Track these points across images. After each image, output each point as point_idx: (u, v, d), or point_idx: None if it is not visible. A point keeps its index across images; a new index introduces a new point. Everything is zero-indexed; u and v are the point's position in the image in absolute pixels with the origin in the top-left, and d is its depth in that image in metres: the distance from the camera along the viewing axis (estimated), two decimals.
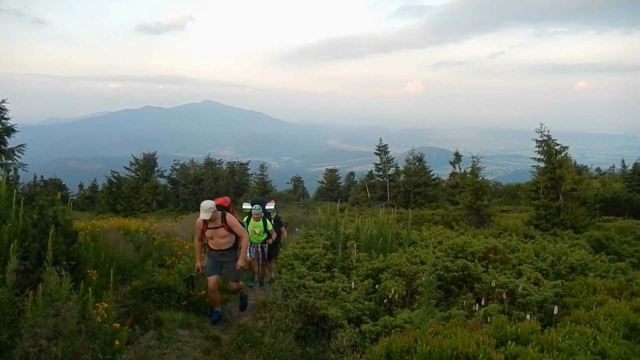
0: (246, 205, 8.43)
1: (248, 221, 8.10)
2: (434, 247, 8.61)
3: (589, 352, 3.57)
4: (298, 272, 7.02)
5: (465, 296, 6.17)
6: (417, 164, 36.82)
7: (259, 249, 8.36)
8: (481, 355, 3.48)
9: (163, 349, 4.94)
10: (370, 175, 41.46)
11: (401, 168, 37.67)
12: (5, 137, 15.58)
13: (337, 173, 50.58)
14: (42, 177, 40.81)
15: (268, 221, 8.27)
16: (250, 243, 7.99)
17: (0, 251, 4.11)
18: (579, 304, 5.58)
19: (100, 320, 4.10)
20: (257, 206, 8.02)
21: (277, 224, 8.98)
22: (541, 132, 21.45)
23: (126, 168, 42.56)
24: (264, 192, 36.88)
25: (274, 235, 8.36)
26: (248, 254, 7.89)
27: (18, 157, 15.68)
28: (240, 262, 6.26)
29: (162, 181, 42.72)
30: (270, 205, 8.58)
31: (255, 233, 8.13)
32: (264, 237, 8.25)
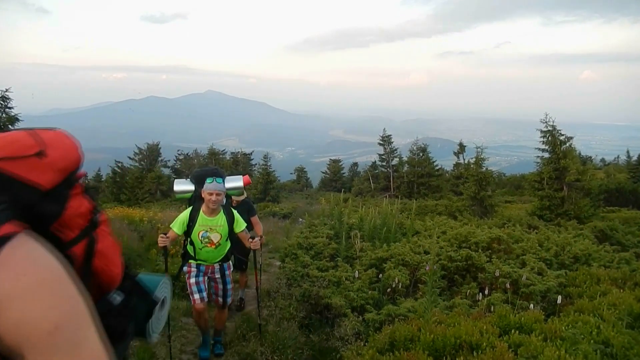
0: (183, 186, 4.67)
1: (192, 218, 4.38)
2: (438, 237, 8.61)
3: (592, 341, 3.57)
4: (302, 261, 7.04)
5: (468, 286, 6.17)
6: (421, 154, 36.69)
7: (215, 276, 4.65)
8: (484, 343, 3.48)
9: (166, 338, 4.97)
10: (373, 165, 41.37)
11: (405, 158, 37.56)
12: (9, 126, 15.62)
13: (340, 163, 50.48)
14: None
15: (235, 213, 4.60)
16: (197, 267, 4.59)
17: None
18: (583, 294, 5.57)
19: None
20: (219, 179, 4.33)
21: (247, 211, 5.71)
22: (546, 122, 21.37)
23: (130, 158, 42.65)
24: (267, 182, 36.89)
25: (252, 241, 4.65)
26: (196, 294, 4.54)
27: None
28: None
29: (166, 171, 42.78)
30: (236, 182, 4.73)
31: (211, 243, 4.45)
32: (226, 250, 4.64)
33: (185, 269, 4.61)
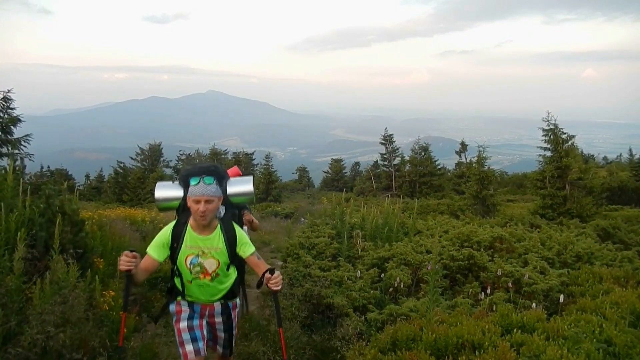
0: (168, 191, 3.27)
1: (177, 237, 3.07)
2: (440, 237, 8.59)
3: (594, 340, 3.56)
4: (303, 261, 7.04)
5: (470, 285, 6.16)
6: (423, 153, 36.72)
7: (215, 320, 3.28)
8: (487, 343, 3.48)
9: (169, 337, 4.97)
10: (375, 165, 41.42)
11: (407, 158, 37.61)
12: (12, 127, 15.63)
13: (342, 163, 50.52)
14: (48, 167, 41.03)
15: (239, 230, 3.20)
16: (190, 305, 3.22)
17: (7, 239, 4.14)
18: (585, 293, 5.56)
19: (107, 308, 4.15)
20: (208, 179, 2.98)
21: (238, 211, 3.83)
22: (548, 120, 21.35)
23: (132, 158, 42.74)
24: (269, 182, 36.91)
25: (270, 278, 2.96)
26: (188, 345, 3.13)
27: (24, 147, 15.75)
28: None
29: (168, 171, 42.82)
30: (245, 185, 3.37)
31: (204, 272, 3.10)
32: (229, 283, 3.26)
33: (172, 308, 3.23)
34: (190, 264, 3.06)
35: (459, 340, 3.57)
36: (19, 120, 15.92)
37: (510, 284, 5.70)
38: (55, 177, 36.03)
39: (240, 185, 3.35)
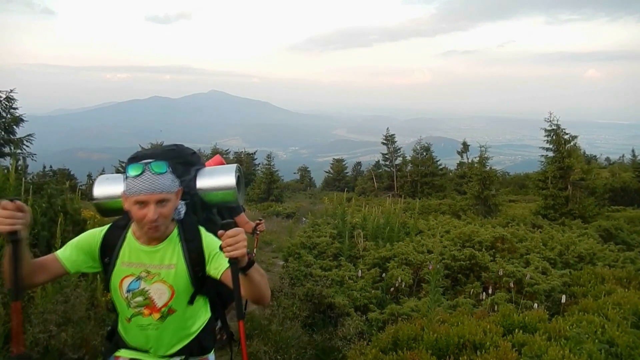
0: (109, 186, 2.16)
1: (109, 246, 1.94)
2: (441, 236, 8.58)
3: (596, 340, 3.56)
4: (305, 260, 7.03)
5: (472, 285, 6.15)
6: (425, 153, 36.66)
7: None
8: (488, 343, 3.47)
9: None
10: (377, 165, 41.38)
11: (408, 158, 37.55)
12: (14, 126, 15.68)
13: (344, 163, 50.44)
14: (51, 167, 41.10)
15: (204, 234, 1.98)
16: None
17: None
18: (587, 293, 5.55)
19: (108, 308, 4.15)
20: (157, 165, 1.81)
21: (229, 209, 3.40)
22: (550, 121, 21.29)
23: None
24: (270, 182, 36.91)
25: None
26: None
27: (27, 146, 15.80)
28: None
29: None
30: (224, 176, 2.23)
31: (150, 306, 1.91)
32: (194, 329, 2.02)
33: None
34: (128, 290, 1.95)
35: (460, 340, 3.56)
36: (22, 120, 15.96)
37: (511, 284, 5.70)
38: (57, 176, 36.05)
39: (216, 176, 2.24)
